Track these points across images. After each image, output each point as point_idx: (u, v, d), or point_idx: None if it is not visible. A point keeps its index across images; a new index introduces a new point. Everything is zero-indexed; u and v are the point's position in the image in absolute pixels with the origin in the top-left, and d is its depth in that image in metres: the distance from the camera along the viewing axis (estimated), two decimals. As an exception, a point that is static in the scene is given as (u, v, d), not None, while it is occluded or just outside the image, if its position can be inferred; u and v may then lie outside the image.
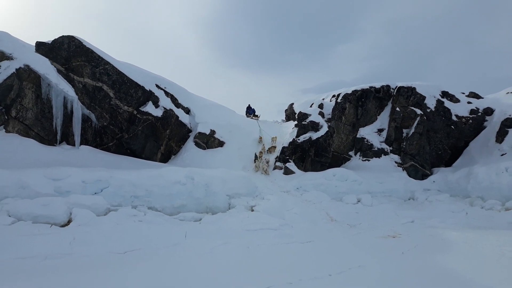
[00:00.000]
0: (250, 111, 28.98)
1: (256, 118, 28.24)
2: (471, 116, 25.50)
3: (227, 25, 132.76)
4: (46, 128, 16.97)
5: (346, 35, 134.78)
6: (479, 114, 25.52)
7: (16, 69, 16.40)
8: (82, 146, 17.88)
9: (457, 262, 8.50)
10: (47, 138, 16.96)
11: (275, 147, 23.76)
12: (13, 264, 7.53)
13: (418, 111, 24.35)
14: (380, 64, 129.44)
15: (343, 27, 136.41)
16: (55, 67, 18.12)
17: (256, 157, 21.98)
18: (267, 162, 21.65)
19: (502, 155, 21.45)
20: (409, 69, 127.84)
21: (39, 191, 11.39)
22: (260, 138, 24.59)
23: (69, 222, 10.52)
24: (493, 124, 24.17)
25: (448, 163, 24.54)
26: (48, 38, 19.17)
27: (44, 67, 17.47)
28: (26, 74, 16.59)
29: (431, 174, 23.04)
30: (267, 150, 23.42)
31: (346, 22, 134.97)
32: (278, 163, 22.10)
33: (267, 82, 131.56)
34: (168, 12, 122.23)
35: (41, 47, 18.47)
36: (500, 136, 22.66)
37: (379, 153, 24.46)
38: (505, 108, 24.42)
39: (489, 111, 25.41)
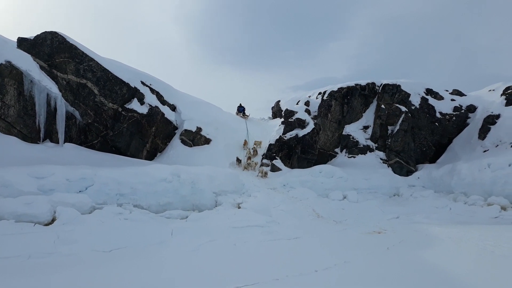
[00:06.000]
0: (240, 109, 28.95)
1: (245, 117, 28.13)
2: (454, 113, 25.91)
3: (217, 21, 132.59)
4: (29, 126, 16.64)
5: (337, 32, 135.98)
6: (463, 111, 25.95)
7: (-3, 65, 16.05)
8: (66, 143, 17.61)
9: (441, 257, 8.65)
10: (30, 135, 16.63)
11: (256, 152, 23.42)
12: (-5, 264, 7.38)
13: (403, 108, 24.65)
14: (371, 61, 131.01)
15: (335, 24, 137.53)
16: (37, 63, 17.76)
17: (237, 160, 21.95)
18: (255, 164, 21.59)
19: (484, 151, 21.87)
20: (400, 66, 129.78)
21: (22, 190, 11.17)
22: (245, 142, 24.11)
23: (53, 220, 10.36)
24: (475, 121, 24.61)
25: (432, 159, 24.91)
26: (32, 34, 18.76)
27: (27, 63, 17.09)
28: (7, 71, 16.21)
29: (416, 170, 23.36)
30: (252, 153, 23.18)
31: (338, 19, 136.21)
32: (264, 160, 22.11)
33: (257, 79, 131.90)
34: (156, 6, 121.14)
35: (23, 43, 18.09)
36: (483, 133, 23.09)
37: (365, 150, 24.70)
38: (487, 105, 24.90)
39: (472, 108, 25.85)
